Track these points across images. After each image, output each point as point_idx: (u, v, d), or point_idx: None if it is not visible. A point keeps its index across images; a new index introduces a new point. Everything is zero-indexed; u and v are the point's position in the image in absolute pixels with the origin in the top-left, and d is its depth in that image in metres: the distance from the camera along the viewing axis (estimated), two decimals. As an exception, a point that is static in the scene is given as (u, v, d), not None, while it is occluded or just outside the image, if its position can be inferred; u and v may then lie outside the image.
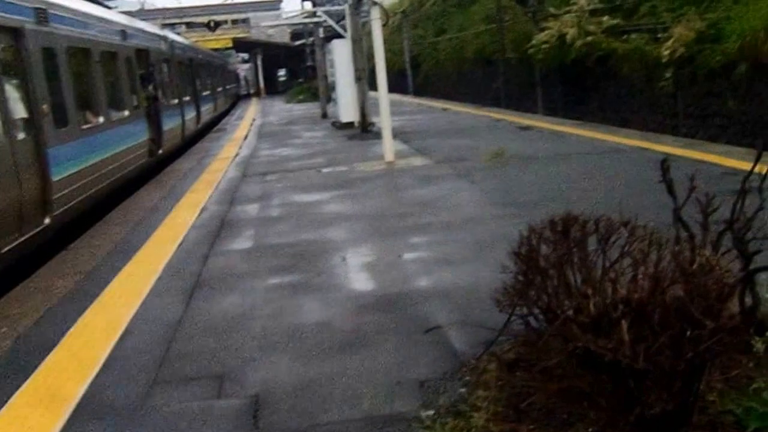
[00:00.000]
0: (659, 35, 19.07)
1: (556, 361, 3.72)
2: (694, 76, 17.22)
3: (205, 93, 28.73)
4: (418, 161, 12.45)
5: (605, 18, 21.64)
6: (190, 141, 21.52)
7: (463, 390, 3.89)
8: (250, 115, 31.63)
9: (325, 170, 12.42)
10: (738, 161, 9.70)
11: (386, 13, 12.57)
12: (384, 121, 12.63)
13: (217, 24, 47.61)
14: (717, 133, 16.71)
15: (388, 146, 12.39)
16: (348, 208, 9.05)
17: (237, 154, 16.16)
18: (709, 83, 16.80)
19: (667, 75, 18.00)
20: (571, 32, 21.82)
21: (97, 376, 4.46)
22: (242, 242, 7.70)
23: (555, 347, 3.75)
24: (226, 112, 38.24)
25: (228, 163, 14.68)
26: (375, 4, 11.98)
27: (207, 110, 28.37)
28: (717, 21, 16.86)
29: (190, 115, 22.68)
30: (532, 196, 8.73)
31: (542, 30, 23.63)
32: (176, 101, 20.08)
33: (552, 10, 23.71)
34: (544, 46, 22.89)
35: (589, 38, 21.36)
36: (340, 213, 8.75)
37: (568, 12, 22.51)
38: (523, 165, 11.16)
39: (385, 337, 4.69)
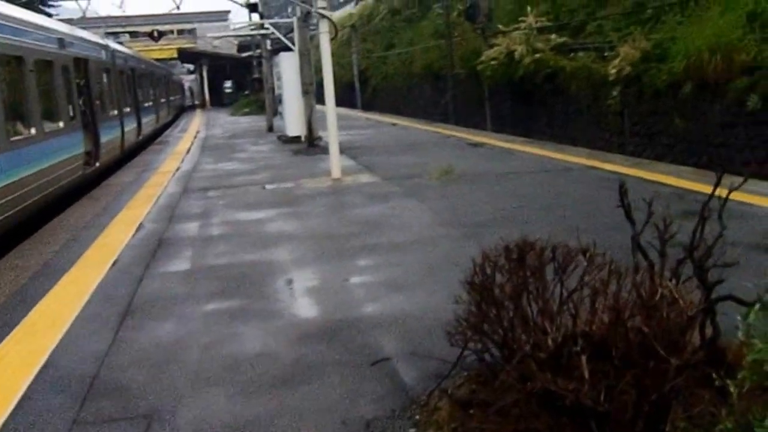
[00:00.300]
0: (606, 54, 19.19)
1: (513, 400, 3.48)
2: (641, 95, 17.31)
3: (147, 104, 28.16)
4: (365, 178, 12.18)
5: (553, 36, 21.76)
6: (130, 153, 20.98)
7: (413, 430, 3.63)
8: (194, 128, 31.02)
9: (269, 186, 12.06)
10: (686, 181, 9.69)
11: (335, 27, 12.29)
12: (331, 136, 12.37)
13: (161, 34, 46.48)
14: (663, 152, 16.80)
15: (335, 162, 12.13)
16: (293, 227, 8.73)
17: (178, 168, 15.68)
18: (656, 102, 16.90)
19: (614, 93, 18.08)
20: (520, 49, 21.89)
21: (10, 417, 4.06)
22: (180, 263, 7.32)
23: (512, 385, 3.52)
24: (169, 124, 37.55)
25: (169, 177, 14.22)
26: (323, 17, 11.70)
27: (149, 122, 27.79)
28: (662, 41, 17.01)
29: (131, 126, 22.14)
30: (482, 216, 8.54)
31: (491, 46, 23.66)
32: (116, 112, 19.55)
33: (501, 27, 23.75)
34: (492, 62, 22.92)
35: (537, 55, 21.44)
36: (285, 232, 8.42)
37: (517, 29, 22.59)
38: (473, 183, 11.00)
39: (329, 370, 4.40)
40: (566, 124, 21.18)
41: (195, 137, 24.95)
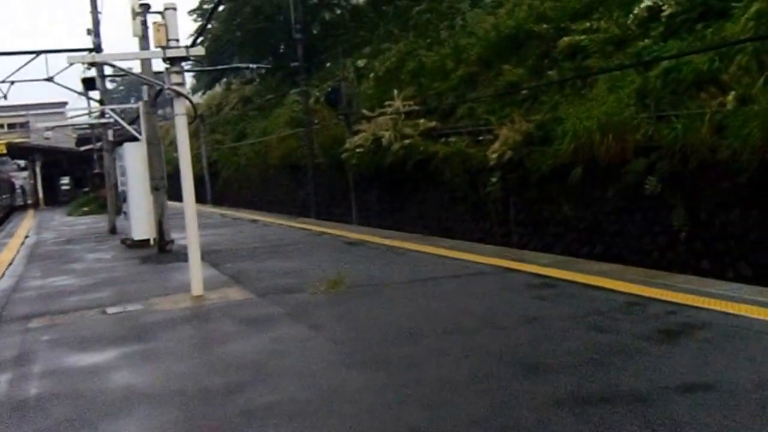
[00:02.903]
0: (481, 137, 18.08)
1: None
2: (524, 181, 16.17)
3: None
4: (234, 294, 9.74)
5: (422, 120, 20.61)
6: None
7: None
8: (22, 231, 27.18)
9: (111, 310, 9.37)
10: (631, 284, 8.03)
11: (194, 107, 10.02)
12: (191, 242, 9.90)
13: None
14: (552, 242, 15.60)
15: (196, 276, 9.66)
16: (145, 377, 6.23)
17: (-4, 287, 12.53)
18: (541, 188, 15.77)
19: (493, 179, 16.87)
20: (387, 135, 20.63)
21: None
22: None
23: None
24: (-7, 228, 33.53)
25: (-20, 301, 11.14)
26: (180, 95, 9.43)
27: None
28: (544, 122, 16.02)
29: None
30: (402, 346, 6.44)
31: (355, 133, 22.29)
32: None
33: (365, 112, 22.38)
34: (358, 150, 21.52)
35: (407, 141, 20.18)
36: (134, 388, 5.92)
37: (383, 114, 21.30)
38: (371, 296, 8.88)
39: None
40: (440, 215, 19.84)
41: (22, 243, 21.40)
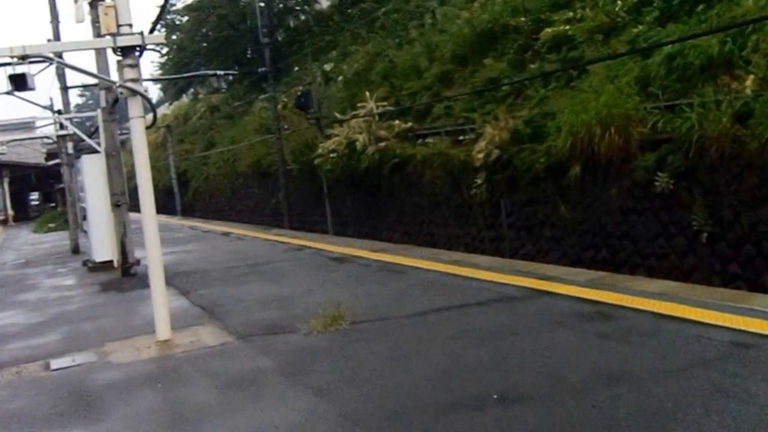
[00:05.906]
0: (461, 137, 16.07)
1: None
2: (514, 181, 14.15)
3: None
4: (209, 336, 7.32)
5: (397, 121, 18.53)
6: None
7: None
8: (-19, 253, 24.49)
9: (56, 363, 6.95)
10: (719, 313, 5.82)
11: (153, 109, 7.46)
12: (153, 271, 7.49)
13: None
14: (549, 246, 13.60)
15: (162, 314, 7.28)
16: None
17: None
18: (534, 188, 13.76)
19: (479, 181, 14.83)
20: (361, 138, 18.53)
21: None
22: None
23: None
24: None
25: None
26: (135, 93, 7.00)
27: None
28: (533, 118, 14.04)
29: None
30: (451, 426, 4.22)
31: (328, 137, 20.11)
32: None
33: (337, 115, 20.22)
34: (332, 155, 19.36)
35: (382, 144, 18.13)
36: None
37: (356, 116, 19.18)
38: (384, 337, 6.52)
39: None
40: (421, 220, 17.75)
41: (-24, 267, 18.72)
